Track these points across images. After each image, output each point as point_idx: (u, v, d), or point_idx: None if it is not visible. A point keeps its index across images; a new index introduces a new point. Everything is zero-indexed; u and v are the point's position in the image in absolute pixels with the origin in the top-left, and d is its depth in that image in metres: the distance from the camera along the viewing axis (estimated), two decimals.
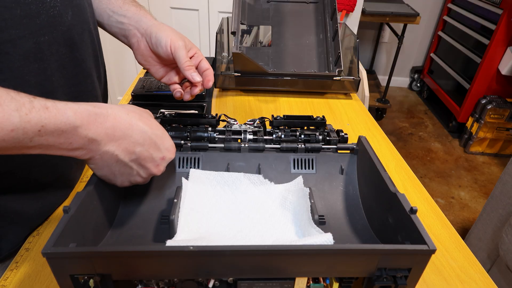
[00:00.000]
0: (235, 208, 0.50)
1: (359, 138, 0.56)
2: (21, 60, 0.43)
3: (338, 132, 0.59)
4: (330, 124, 0.62)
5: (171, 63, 0.61)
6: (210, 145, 0.56)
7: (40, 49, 0.45)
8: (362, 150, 0.55)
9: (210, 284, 0.38)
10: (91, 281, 0.35)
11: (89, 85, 0.55)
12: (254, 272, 0.37)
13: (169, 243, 0.39)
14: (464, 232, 1.64)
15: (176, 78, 0.62)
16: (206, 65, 0.60)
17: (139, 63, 0.62)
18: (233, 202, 0.51)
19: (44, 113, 0.35)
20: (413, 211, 0.40)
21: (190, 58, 0.59)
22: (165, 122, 0.60)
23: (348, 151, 0.57)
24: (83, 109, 0.38)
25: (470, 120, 2.26)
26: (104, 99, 0.65)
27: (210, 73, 0.59)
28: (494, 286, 0.47)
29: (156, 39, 0.57)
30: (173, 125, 0.60)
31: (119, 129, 0.40)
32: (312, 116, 0.62)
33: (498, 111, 2.09)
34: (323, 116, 0.61)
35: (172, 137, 0.52)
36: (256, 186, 0.53)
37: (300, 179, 0.53)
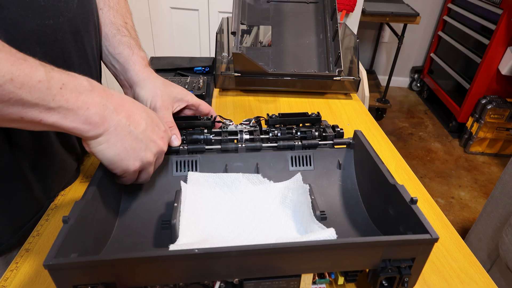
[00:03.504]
0: (236, 208, 0.50)
1: (355, 132, 0.56)
2: (21, 41, 0.42)
3: (334, 127, 0.59)
4: (325, 120, 0.62)
5: None
6: (206, 147, 0.55)
7: (43, 33, 0.44)
8: (358, 144, 0.55)
9: (216, 286, 0.38)
10: None
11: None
12: (260, 271, 0.37)
13: (172, 247, 0.38)
14: (464, 232, 1.64)
15: None
16: (205, 109, 0.62)
17: None
18: (233, 203, 0.51)
19: (63, 74, 0.37)
20: (414, 201, 0.40)
21: (184, 108, 0.61)
22: None
23: (345, 146, 0.57)
24: (93, 80, 0.41)
25: (470, 120, 2.26)
26: None
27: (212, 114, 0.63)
28: (494, 286, 0.47)
29: (137, 99, 0.58)
30: None
31: (127, 103, 0.44)
32: (307, 113, 0.62)
33: (498, 111, 2.09)
34: (318, 112, 0.61)
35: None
36: (256, 185, 0.53)
37: (299, 176, 0.53)
